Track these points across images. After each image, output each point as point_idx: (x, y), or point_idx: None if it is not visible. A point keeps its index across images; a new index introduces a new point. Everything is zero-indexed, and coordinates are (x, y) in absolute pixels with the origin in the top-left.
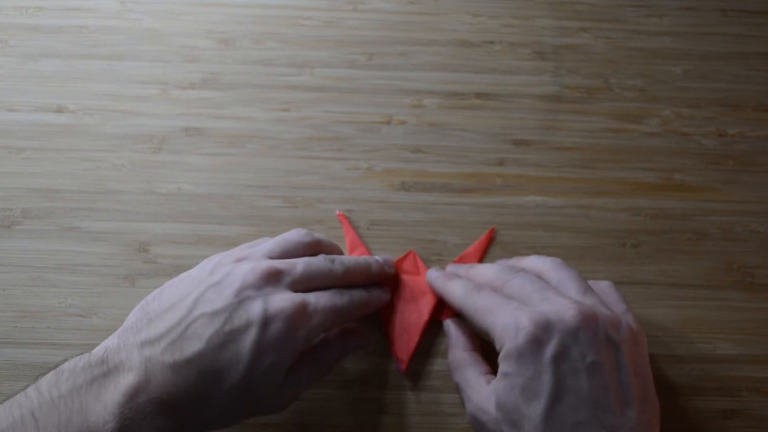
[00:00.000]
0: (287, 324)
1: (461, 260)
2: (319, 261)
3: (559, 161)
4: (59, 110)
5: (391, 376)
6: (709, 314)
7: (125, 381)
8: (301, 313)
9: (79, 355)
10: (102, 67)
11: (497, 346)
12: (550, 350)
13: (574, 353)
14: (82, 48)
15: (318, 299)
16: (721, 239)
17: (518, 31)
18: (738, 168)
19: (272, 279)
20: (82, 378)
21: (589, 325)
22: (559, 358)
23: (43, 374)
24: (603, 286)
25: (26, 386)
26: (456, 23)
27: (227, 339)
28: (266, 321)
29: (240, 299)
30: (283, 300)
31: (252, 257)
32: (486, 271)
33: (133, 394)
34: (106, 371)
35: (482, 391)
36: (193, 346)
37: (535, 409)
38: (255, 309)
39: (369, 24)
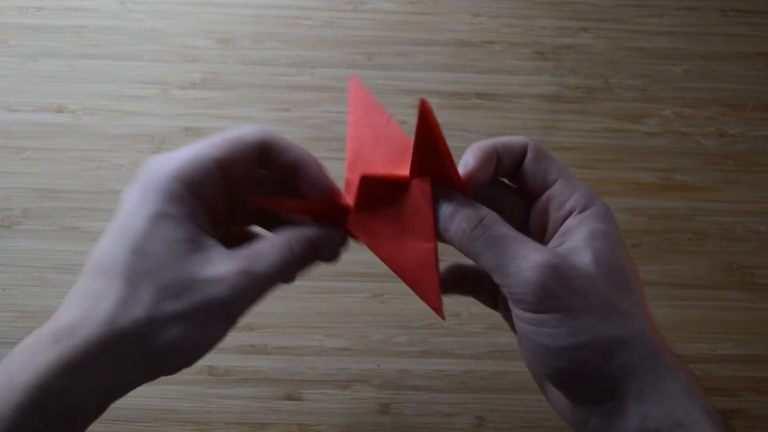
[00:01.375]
0: None
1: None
2: None
3: (559, 161)
4: (59, 110)
5: (391, 376)
6: (709, 314)
7: None
8: None
9: None
10: (102, 67)
11: (568, 207)
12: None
13: None
14: (82, 48)
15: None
16: (721, 239)
17: (518, 31)
18: (738, 168)
19: None
20: None
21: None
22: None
23: None
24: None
25: None
26: (456, 23)
27: None
28: None
29: None
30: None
31: None
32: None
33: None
34: None
35: (560, 254)
36: None
37: (633, 267)
38: None
39: (369, 24)
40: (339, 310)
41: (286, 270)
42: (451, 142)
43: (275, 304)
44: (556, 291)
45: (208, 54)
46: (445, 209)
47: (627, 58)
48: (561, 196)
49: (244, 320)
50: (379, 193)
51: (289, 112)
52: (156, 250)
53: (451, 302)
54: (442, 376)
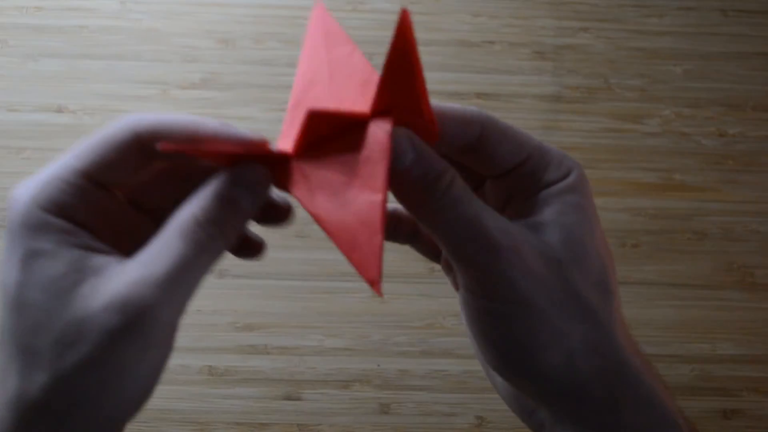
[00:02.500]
0: None
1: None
2: None
3: None
4: (59, 110)
5: (391, 376)
6: (709, 314)
7: None
8: None
9: None
10: (102, 67)
11: (548, 176)
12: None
13: None
14: (82, 48)
15: None
16: (721, 239)
17: (518, 31)
18: (738, 168)
19: None
20: None
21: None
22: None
23: None
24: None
25: None
26: (456, 23)
27: None
28: None
29: None
30: None
31: None
32: None
33: None
34: None
35: (526, 233)
36: None
37: (606, 245)
38: None
39: (369, 24)
40: (339, 310)
41: (202, 250)
42: None
43: (275, 304)
44: (516, 278)
45: (208, 54)
46: (408, 154)
47: (627, 58)
48: (535, 166)
49: (245, 320)
50: (326, 134)
51: None
52: (35, 301)
53: (452, 302)
54: (442, 376)
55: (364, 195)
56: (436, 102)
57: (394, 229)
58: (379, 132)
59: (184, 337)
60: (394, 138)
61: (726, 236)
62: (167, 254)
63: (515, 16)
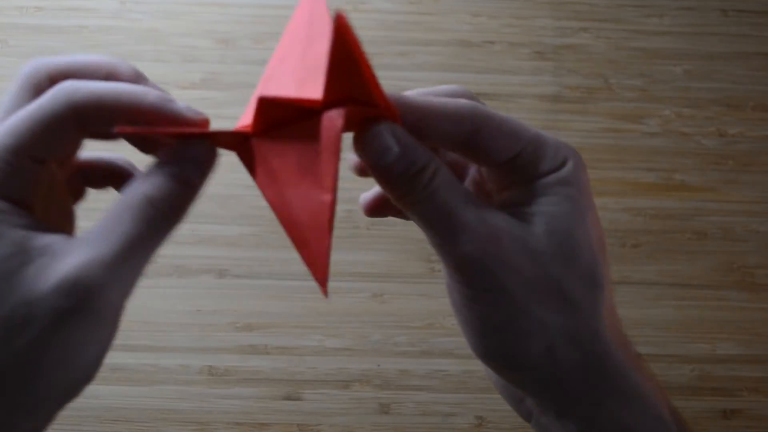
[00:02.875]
0: None
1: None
2: None
3: None
4: None
5: (391, 376)
6: (709, 314)
7: None
8: None
9: None
10: None
11: (543, 166)
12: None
13: None
14: (82, 48)
15: None
16: (721, 239)
17: (518, 31)
18: (738, 168)
19: None
20: None
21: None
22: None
23: None
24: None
25: None
26: (456, 23)
27: None
28: None
29: None
30: None
31: None
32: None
33: None
34: None
35: (510, 222)
36: None
37: (600, 239)
38: None
39: (369, 24)
40: (339, 310)
41: (153, 229)
42: None
43: (275, 304)
44: (493, 267)
45: (208, 54)
46: (392, 149)
47: (627, 58)
48: (530, 156)
49: (245, 320)
50: (284, 116)
51: None
52: None
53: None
54: (442, 376)
55: (315, 192)
56: (426, 97)
57: (382, 208)
58: (330, 126)
59: (184, 337)
60: (376, 133)
61: (726, 236)
62: (116, 233)
63: (515, 16)
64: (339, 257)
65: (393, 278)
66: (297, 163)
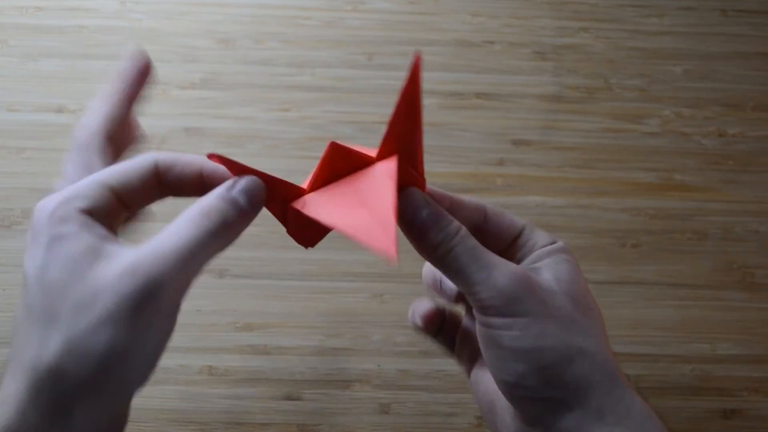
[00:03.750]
0: None
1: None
2: None
3: (559, 161)
4: (59, 110)
5: (391, 376)
6: (709, 314)
7: None
8: None
9: None
10: (102, 67)
11: (540, 241)
12: None
13: None
14: (82, 48)
15: None
16: (721, 239)
17: (518, 31)
18: (738, 168)
19: None
20: None
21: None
22: None
23: None
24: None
25: None
26: (456, 23)
27: None
28: None
29: None
30: None
31: None
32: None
33: None
34: None
35: (525, 269)
36: None
37: (593, 298)
38: None
39: (369, 24)
40: (339, 310)
41: (207, 235)
42: (451, 142)
43: (275, 304)
44: (523, 297)
45: (208, 54)
46: (423, 213)
47: (627, 58)
48: (529, 237)
49: (244, 320)
50: (339, 172)
51: (289, 112)
52: (56, 277)
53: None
54: (442, 376)
55: (377, 204)
56: (453, 194)
57: (436, 323)
58: (385, 166)
59: (184, 337)
60: (409, 195)
61: (726, 236)
62: (176, 235)
63: (515, 16)
64: (339, 257)
65: (393, 278)
66: (353, 196)
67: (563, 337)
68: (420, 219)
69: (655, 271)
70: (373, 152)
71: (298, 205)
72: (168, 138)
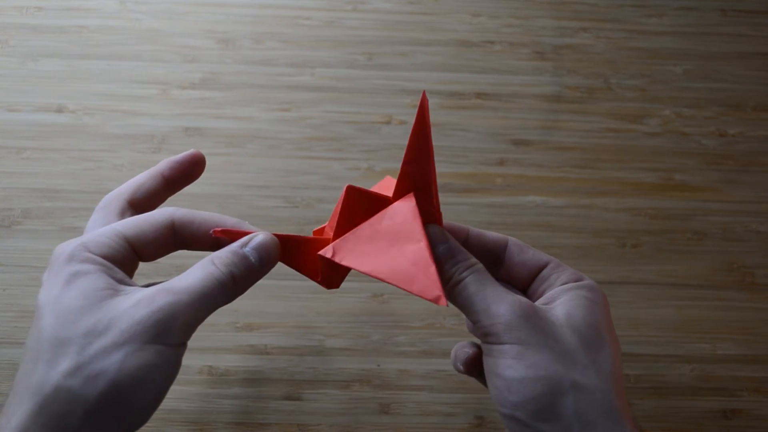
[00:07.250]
0: None
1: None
2: None
3: (559, 161)
4: (59, 110)
5: (391, 376)
6: (709, 314)
7: None
8: None
9: None
10: (102, 67)
11: (564, 277)
12: None
13: None
14: (82, 48)
15: None
16: (721, 239)
17: (518, 31)
18: (738, 168)
19: None
20: None
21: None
22: None
23: None
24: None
25: None
26: (456, 23)
27: None
28: None
29: None
30: None
31: None
32: None
33: None
34: None
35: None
36: None
37: (613, 334)
38: None
39: (369, 24)
40: (339, 310)
41: (215, 281)
42: (451, 142)
43: (275, 304)
44: (522, 326)
45: (208, 54)
46: (441, 248)
47: (627, 58)
48: (551, 273)
49: (245, 320)
50: (359, 212)
51: (289, 112)
52: (73, 304)
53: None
54: (442, 376)
55: (409, 246)
56: (472, 227)
57: (477, 366)
58: (404, 204)
59: None
60: (428, 231)
61: (726, 236)
62: (189, 277)
63: (515, 16)
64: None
65: None
66: (382, 239)
67: (557, 370)
68: (437, 253)
69: (655, 271)
70: (387, 191)
71: (327, 253)
72: (168, 138)
